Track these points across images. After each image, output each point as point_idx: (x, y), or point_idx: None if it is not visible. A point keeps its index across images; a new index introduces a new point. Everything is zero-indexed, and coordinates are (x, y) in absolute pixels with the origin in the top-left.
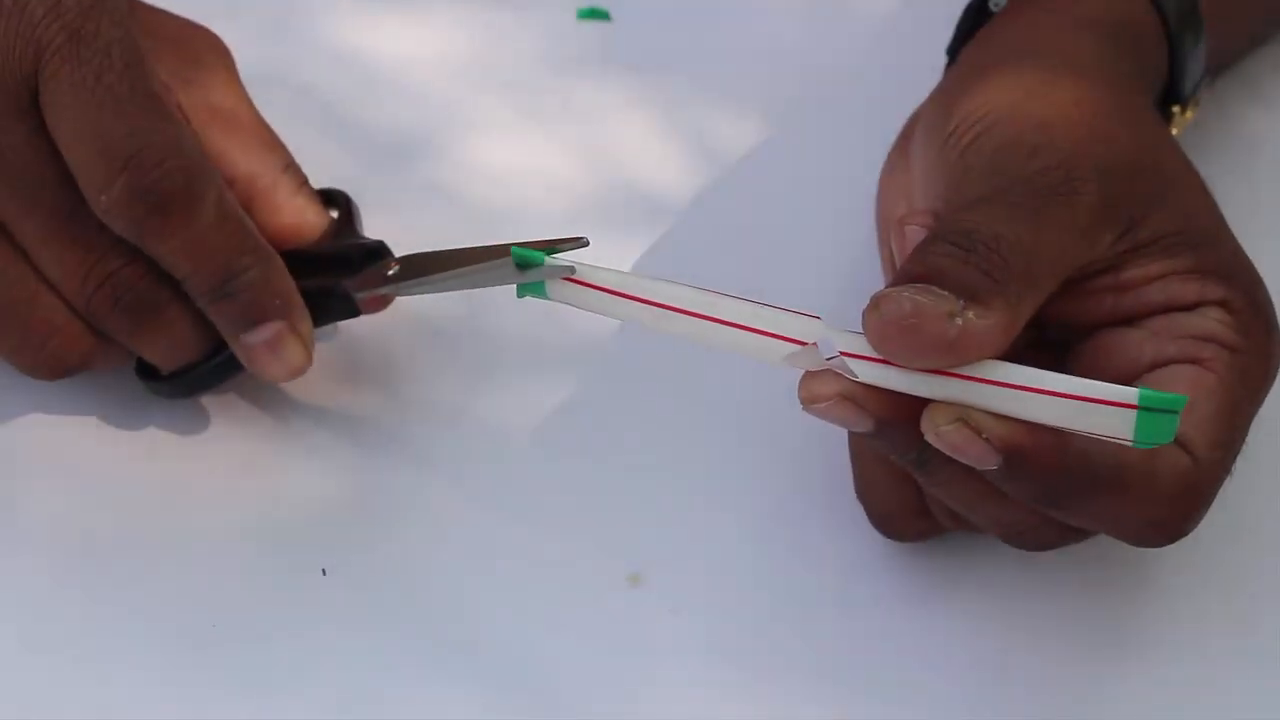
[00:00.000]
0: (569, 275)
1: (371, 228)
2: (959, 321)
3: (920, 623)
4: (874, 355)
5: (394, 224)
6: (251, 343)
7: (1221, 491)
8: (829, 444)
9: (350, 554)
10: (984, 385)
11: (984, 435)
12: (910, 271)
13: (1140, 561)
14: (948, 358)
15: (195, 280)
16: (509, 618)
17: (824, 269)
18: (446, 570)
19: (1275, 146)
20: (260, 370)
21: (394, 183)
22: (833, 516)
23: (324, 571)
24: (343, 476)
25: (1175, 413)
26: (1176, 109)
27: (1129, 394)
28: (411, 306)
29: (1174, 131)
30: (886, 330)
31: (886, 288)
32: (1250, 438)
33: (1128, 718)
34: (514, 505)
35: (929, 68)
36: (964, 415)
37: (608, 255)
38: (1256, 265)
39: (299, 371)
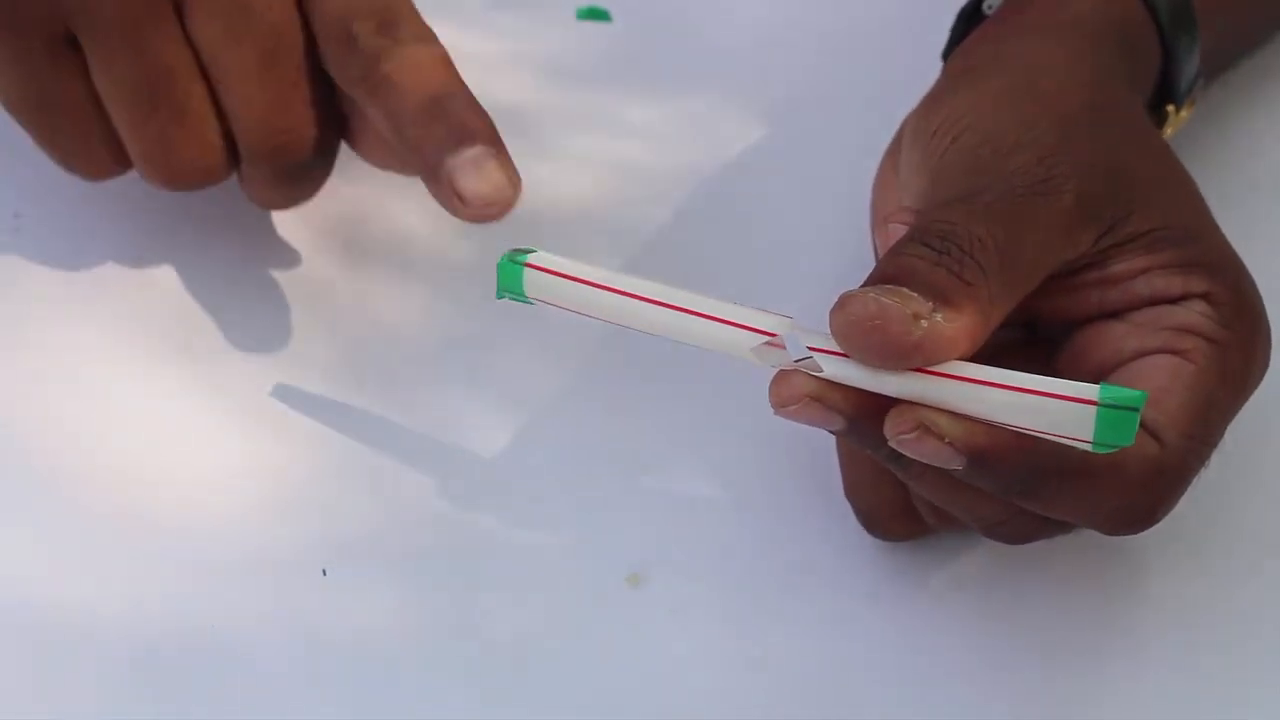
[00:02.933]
0: (529, 261)
1: (366, 228)
2: (924, 324)
3: (918, 622)
4: (840, 352)
5: (393, 224)
6: (457, 163)
7: (1214, 488)
8: (828, 444)
9: (350, 554)
10: (946, 382)
11: (945, 439)
12: (883, 272)
13: (1129, 559)
14: (912, 359)
15: (410, 102)
16: (508, 617)
17: (823, 270)
18: (445, 569)
19: (1274, 146)
20: (465, 188)
21: (391, 183)
22: (833, 516)
23: (324, 571)
24: (341, 475)
25: (1136, 410)
26: (1171, 108)
27: (1089, 390)
28: (410, 302)
29: (1169, 131)
30: (851, 331)
31: (856, 288)
32: (1239, 434)
33: (1116, 714)
34: (513, 504)
35: (930, 70)
36: (924, 420)
37: (606, 254)
38: (1255, 266)
39: (502, 196)
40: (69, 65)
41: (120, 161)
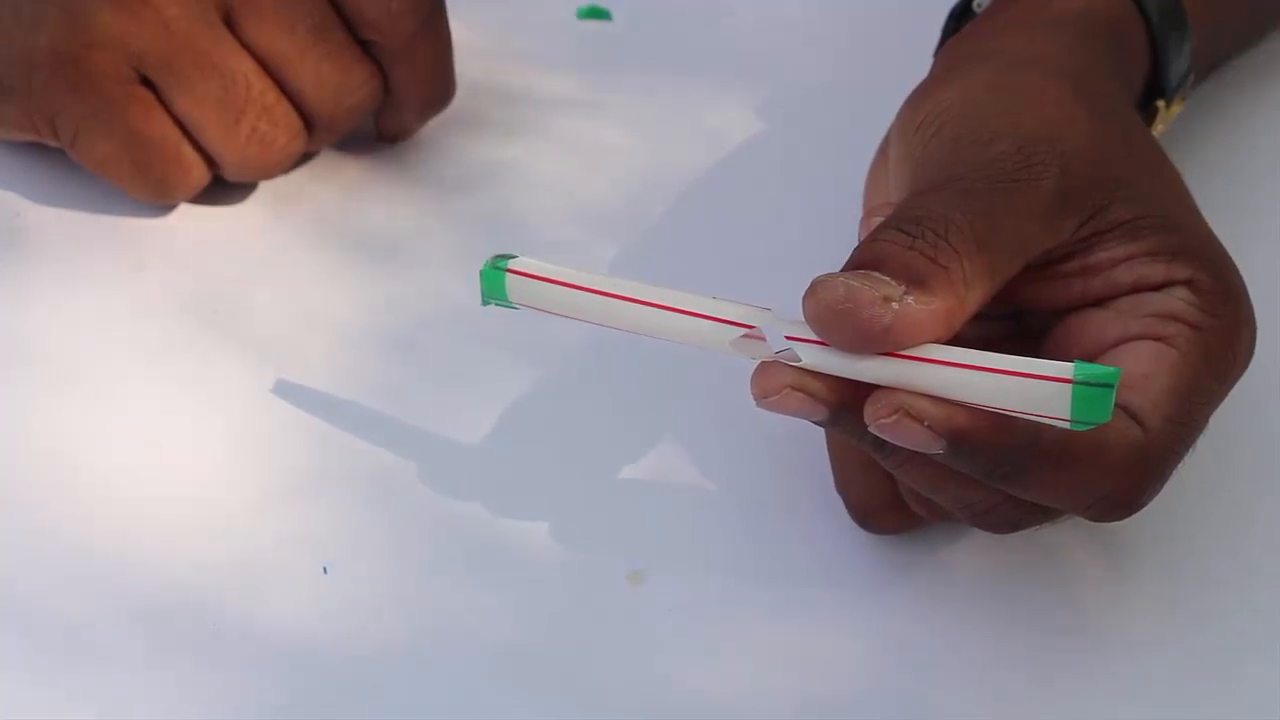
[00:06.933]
0: (510, 267)
1: (366, 226)
2: (895, 306)
3: (913, 613)
4: (818, 340)
5: (392, 223)
6: None
7: (1200, 475)
8: (823, 440)
9: (350, 553)
10: (923, 365)
11: (925, 422)
12: (858, 258)
13: (1117, 547)
14: (884, 342)
15: (422, 86)
16: (508, 616)
17: (818, 268)
18: (446, 569)
19: (1269, 144)
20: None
21: (392, 182)
22: (834, 515)
23: (325, 570)
24: (341, 474)
25: (1111, 386)
26: (1161, 104)
27: (1064, 368)
28: (410, 302)
29: (1159, 127)
30: (821, 315)
31: (828, 273)
32: (1227, 422)
33: (1108, 704)
34: (513, 504)
35: (926, 69)
36: (903, 405)
37: (605, 255)
38: (1250, 263)
39: None
40: (148, 101)
41: (213, 168)
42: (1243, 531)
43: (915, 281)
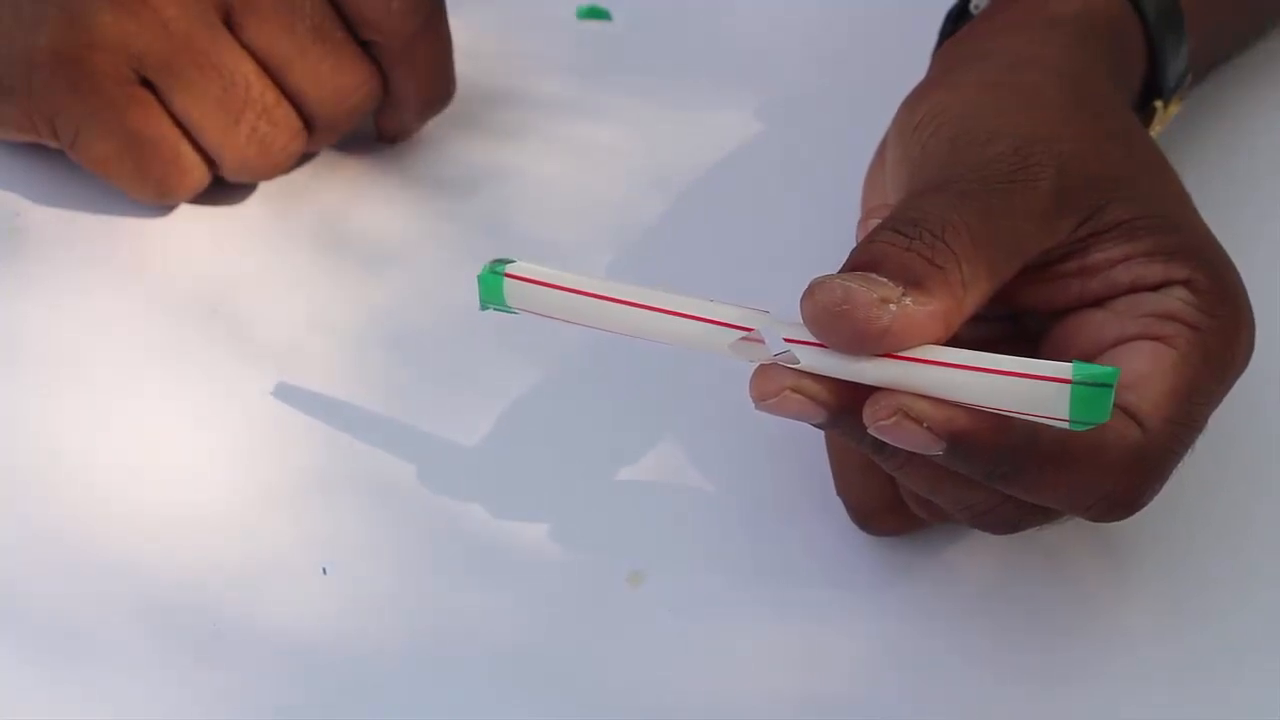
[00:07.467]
0: (508, 271)
1: (366, 227)
2: (893, 308)
3: (913, 615)
4: (817, 342)
5: (390, 222)
6: None
7: (1200, 475)
8: (822, 442)
9: (350, 553)
10: (922, 367)
11: (924, 424)
12: (855, 259)
13: (1117, 547)
14: (882, 343)
15: (422, 86)
16: (509, 617)
17: (818, 269)
18: (446, 569)
19: (1269, 144)
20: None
21: (392, 182)
22: (834, 516)
23: (324, 570)
24: (341, 474)
25: (1110, 386)
26: (1159, 104)
27: (1063, 368)
28: (410, 301)
29: (1157, 127)
30: (819, 316)
31: (826, 275)
32: (1231, 430)
33: (1106, 702)
34: (513, 504)
35: (925, 70)
36: (903, 406)
37: (605, 255)
38: (1250, 262)
39: None
40: (148, 101)
41: (213, 169)
42: (1242, 531)
43: (913, 283)
